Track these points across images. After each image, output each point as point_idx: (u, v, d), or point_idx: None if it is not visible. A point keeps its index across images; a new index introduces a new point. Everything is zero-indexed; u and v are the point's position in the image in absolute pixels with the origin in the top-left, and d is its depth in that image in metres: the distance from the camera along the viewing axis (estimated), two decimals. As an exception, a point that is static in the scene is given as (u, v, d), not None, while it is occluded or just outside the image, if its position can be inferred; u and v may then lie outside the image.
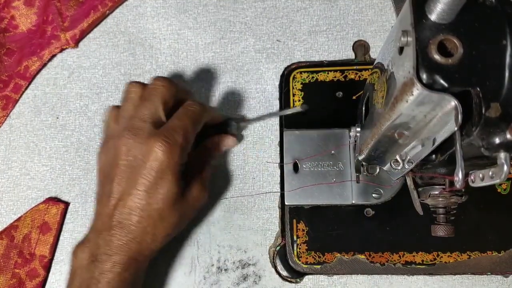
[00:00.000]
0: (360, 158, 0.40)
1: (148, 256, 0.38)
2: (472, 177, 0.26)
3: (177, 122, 0.38)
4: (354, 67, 0.49)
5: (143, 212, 0.36)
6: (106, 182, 0.38)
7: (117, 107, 0.42)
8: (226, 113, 0.50)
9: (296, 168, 0.47)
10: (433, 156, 0.32)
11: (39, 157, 0.50)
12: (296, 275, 0.45)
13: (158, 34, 0.52)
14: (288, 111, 0.48)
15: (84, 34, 0.52)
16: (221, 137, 0.45)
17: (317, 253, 0.45)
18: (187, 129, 0.38)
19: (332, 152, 0.46)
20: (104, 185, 0.38)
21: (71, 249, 0.39)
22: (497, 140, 0.24)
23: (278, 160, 0.48)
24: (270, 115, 0.49)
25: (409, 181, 0.38)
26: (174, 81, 0.41)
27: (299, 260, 0.45)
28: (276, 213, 0.47)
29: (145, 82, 0.51)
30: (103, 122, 0.43)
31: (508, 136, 0.23)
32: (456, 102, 0.23)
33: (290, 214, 0.46)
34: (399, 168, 0.34)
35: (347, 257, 0.45)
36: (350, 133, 0.44)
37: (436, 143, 0.28)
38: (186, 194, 0.39)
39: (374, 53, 0.50)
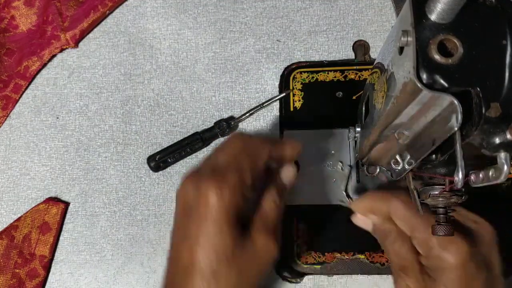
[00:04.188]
0: (360, 158, 0.40)
1: None
2: (472, 177, 0.26)
3: (230, 159, 0.33)
4: (354, 67, 0.49)
5: (194, 271, 0.30)
6: (172, 233, 0.34)
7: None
8: (223, 114, 0.50)
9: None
10: (433, 156, 0.32)
11: (39, 157, 0.50)
12: (296, 275, 0.45)
13: (158, 34, 0.52)
14: (273, 100, 0.49)
15: (84, 34, 0.52)
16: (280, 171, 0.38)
17: (317, 253, 0.45)
18: (241, 166, 0.32)
19: (332, 152, 0.46)
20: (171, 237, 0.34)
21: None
22: (497, 140, 0.24)
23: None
24: (256, 108, 0.49)
25: (409, 181, 0.38)
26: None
27: (299, 260, 0.45)
28: (276, 213, 0.47)
29: (144, 81, 0.51)
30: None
31: (508, 136, 0.23)
32: (456, 102, 0.23)
33: (290, 214, 0.46)
34: (399, 168, 0.34)
35: (347, 257, 0.45)
36: (350, 133, 0.44)
37: (436, 143, 0.28)
38: (247, 245, 0.32)
39: (374, 53, 0.50)
